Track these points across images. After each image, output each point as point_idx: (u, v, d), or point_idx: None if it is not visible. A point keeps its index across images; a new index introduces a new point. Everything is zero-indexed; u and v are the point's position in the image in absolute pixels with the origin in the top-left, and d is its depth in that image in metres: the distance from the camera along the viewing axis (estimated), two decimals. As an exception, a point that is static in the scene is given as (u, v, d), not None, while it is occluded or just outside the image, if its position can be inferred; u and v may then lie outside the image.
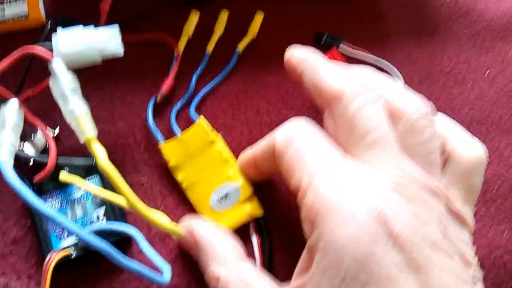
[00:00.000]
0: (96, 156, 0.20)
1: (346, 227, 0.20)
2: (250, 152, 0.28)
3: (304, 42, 0.35)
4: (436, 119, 0.24)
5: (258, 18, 0.34)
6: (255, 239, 0.28)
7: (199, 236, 0.26)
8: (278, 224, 0.29)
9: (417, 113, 0.23)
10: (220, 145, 0.29)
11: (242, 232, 0.28)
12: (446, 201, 0.22)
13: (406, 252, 0.20)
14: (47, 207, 0.20)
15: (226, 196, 0.28)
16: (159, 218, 0.22)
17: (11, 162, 0.23)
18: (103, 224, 0.27)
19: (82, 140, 0.20)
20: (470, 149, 0.24)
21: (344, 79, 0.24)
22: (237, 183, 0.28)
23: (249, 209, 0.28)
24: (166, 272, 0.24)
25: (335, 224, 0.20)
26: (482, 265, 0.29)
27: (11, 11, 0.33)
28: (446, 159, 0.24)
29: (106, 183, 0.28)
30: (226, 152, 0.29)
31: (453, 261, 0.21)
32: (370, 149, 0.23)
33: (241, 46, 0.34)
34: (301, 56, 0.27)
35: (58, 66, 0.23)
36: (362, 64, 0.35)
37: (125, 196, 0.20)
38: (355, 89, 0.24)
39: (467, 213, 0.23)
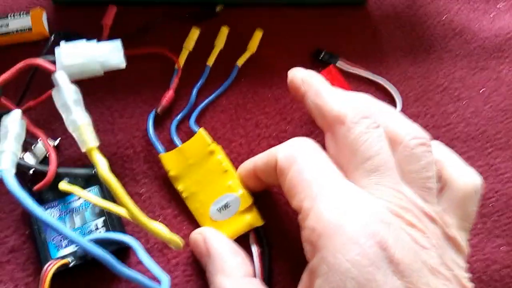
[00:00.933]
0: (97, 166, 0.20)
1: (348, 252, 0.20)
2: (251, 163, 0.28)
3: (302, 58, 0.36)
4: (432, 146, 0.25)
5: (258, 35, 0.35)
6: (255, 249, 0.28)
7: (211, 246, 0.26)
8: (278, 234, 0.29)
9: (416, 141, 0.24)
10: (220, 155, 0.30)
11: (241, 242, 0.28)
12: (443, 227, 0.23)
13: (406, 278, 0.20)
14: (48, 215, 0.20)
15: (226, 206, 0.28)
16: (158, 227, 0.22)
17: (12, 170, 0.23)
18: (102, 233, 0.27)
19: (83, 150, 0.21)
20: (466, 177, 0.25)
21: (346, 104, 0.25)
22: (237, 193, 0.28)
23: (249, 219, 0.28)
24: (164, 282, 0.24)
25: (337, 248, 0.20)
26: (479, 279, 0.30)
27: (15, 24, 0.34)
28: (442, 186, 0.25)
29: (106, 194, 0.28)
30: (226, 163, 0.30)
31: (451, 285, 0.22)
32: (371, 175, 0.23)
33: (241, 61, 0.34)
34: (304, 78, 0.27)
35: (61, 78, 0.23)
36: (362, 82, 0.36)
37: (125, 205, 0.20)
38: (358, 113, 0.24)
39: (462, 239, 0.24)
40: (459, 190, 0.24)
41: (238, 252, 0.27)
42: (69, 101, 0.21)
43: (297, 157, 0.24)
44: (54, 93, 0.21)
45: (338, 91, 0.27)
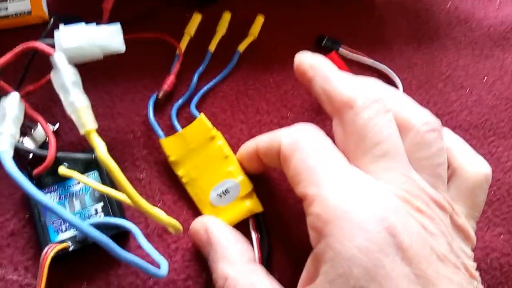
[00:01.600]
0: (96, 148, 0.20)
1: (356, 238, 0.20)
2: (252, 145, 0.28)
3: (305, 44, 0.36)
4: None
5: (259, 20, 0.35)
6: (254, 236, 0.28)
7: (213, 235, 0.26)
8: (277, 221, 0.29)
9: (427, 127, 0.23)
10: (221, 141, 0.29)
11: (241, 228, 0.28)
12: (451, 215, 0.23)
13: (415, 264, 0.20)
14: (46, 197, 0.20)
15: (226, 191, 0.28)
16: (157, 211, 0.22)
17: (10, 152, 0.23)
18: (102, 218, 0.27)
19: (82, 132, 0.20)
20: (476, 166, 0.25)
21: (355, 88, 0.24)
22: (237, 179, 0.28)
23: (249, 205, 0.28)
24: (163, 266, 0.24)
25: (344, 234, 0.20)
26: (478, 267, 0.30)
27: (14, 7, 0.34)
28: (451, 174, 0.25)
29: (105, 179, 0.28)
30: (227, 148, 0.29)
31: (460, 273, 0.21)
32: (380, 160, 0.23)
33: (242, 46, 0.34)
34: (312, 63, 0.27)
35: (60, 59, 0.23)
36: (364, 69, 0.36)
37: (123, 188, 0.20)
38: (367, 98, 0.24)
39: (471, 228, 0.24)
40: (469, 179, 0.24)
41: (239, 239, 0.26)
42: (67, 82, 0.20)
43: (301, 143, 0.24)
44: (52, 74, 0.21)
45: (347, 76, 0.26)
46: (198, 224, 0.27)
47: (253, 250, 0.27)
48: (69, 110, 0.20)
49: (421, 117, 0.24)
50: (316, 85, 0.26)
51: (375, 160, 0.23)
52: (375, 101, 0.24)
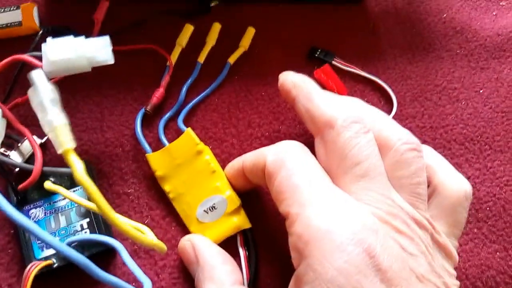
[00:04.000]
0: (73, 168, 0.19)
1: (335, 260, 0.20)
2: (239, 163, 0.27)
3: (297, 56, 0.36)
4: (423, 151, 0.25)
5: (250, 31, 0.34)
6: (242, 253, 0.27)
7: (200, 254, 0.26)
8: (265, 236, 0.29)
9: (406, 146, 0.24)
10: (208, 155, 0.29)
11: (228, 245, 0.27)
12: (432, 234, 0.23)
13: (395, 286, 0.20)
14: (21, 216, 0.19)
15: (213, 207, 0.28)
16: (138, 233, 0.21)
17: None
18: (86, 234, 0.26)
19: (59, 151, 0.20)
20: (456, 183, 0.25)
21: (336, 108, 0.25)
22: (225, 195, 0.28)
23: (237, 221, 0.27)
24: (146, 285, 0.23)
25: (325, 256, 0.20)
26: (474, 285, 0.29)
27: (4, 18, 0.33)
28: (432, 192, 0.25)
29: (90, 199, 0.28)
30: (214, 163, 0.29)
31: None
32: (360, 180, 0.23)
33: (233, 58, 0.34)
34: (295, 82, 0.27)
35: (38, 76, 0.22)
36: (357, 81, 0.35)
37: (101, 210, 0.19)
38: (347, 118, 0.24)
39: (452, 246, 0.24)
40: (449, 197, 0.24)
41: (227, 260, 0.26)
42: (45, 100, 0.20)
43: (285, 161, 0.24)
44: (30, 92, 0.21)
45: (329, 95, 0.26)
46: (186, 242, 0.27)
47: (241, 271, 0.26)
48: (46, 129, 0.20)
49: (401, 136, 0.24)
50: (299, 104, 0.26)
51: (356, 180, 0.23)
52: (355, 121, 0.24)
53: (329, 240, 0.20)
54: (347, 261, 0.20)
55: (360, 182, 0.23)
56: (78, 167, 0.19)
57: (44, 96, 0.20)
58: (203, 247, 0.26)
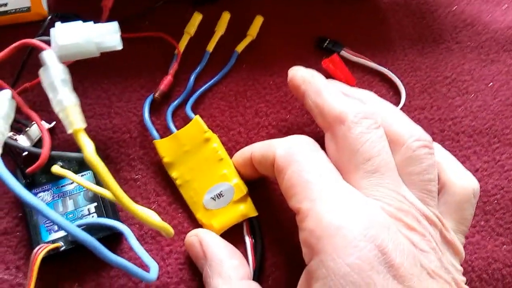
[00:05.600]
0: (83, 148, 0.19)
1: (348, 256, 0.20)
2: (247, 152, 0.27)
3: (305, 46, 0.35)
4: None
5: (258, 20, 0.34)
6: (248, 241, 0.27)
7: (208, 249, 0.26)
8: (272, 225, 0.29)
9: (418, 143, 0.24)
10: (216, 143, 0.29)
11: (234, 233, 0.27)
12: (441, 230, 0.23)
13: (407, 282, 0.20)
14: (31, 196, 0.19)
15: (220, 194, 0.28)
16: (148, 214, 0.21)
17: (-2, 149, 0.22)
18: (94, 218, 0.27)
19: (69, 131, 0.20)
20: (464, 181, 0.25)
21: (347, 103, 0.24)
22: (232, 182, 0.28)
23: (243, 209, 0.27)
24: (153, 270, 0.23)
25: (337, 252, 0.20)
26: (480, 278, 0.29)
27: (13, 4, 0.33)
28: (440, 189, 0.25)
29: (98, 179, 0.28)
30: (222, 151, 0.29)
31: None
32: (371, 176, 0.23)
33: (240, 47, 0.34)
34: (304, 77, 0.27)
35: (48, 56, 0.22)
36: (366, 72, 0.35)
37: (112, 190, 0.20)
38: (358, 113, 0.24)
39: (459, 243, 0.24)
40: (457, 194, 0.24)
41: (234, 255, 0.26)
42: (56, 80, 0.20)
43: (296, 156, 0.24)
44: (41, 72, 0.21)
45: (340, 90, 0.26)
46: (192, 237, 0.27)
47: (247, 259, 0.26)
48: (57, 109, 0.20)
49: (413, 133, 0.24)
50: (308, 100, 0.26)
51: (367, 176, 0.23)
52: (366, 116, 0.24)
53: (341, 236, 0.20)
54: (360, 257, 0.20)
55: (371, 178, 0.23)
56: (88, 147, 0.19)
57: (55, 76, 0.20)
58: (210, 242, 0.26)
